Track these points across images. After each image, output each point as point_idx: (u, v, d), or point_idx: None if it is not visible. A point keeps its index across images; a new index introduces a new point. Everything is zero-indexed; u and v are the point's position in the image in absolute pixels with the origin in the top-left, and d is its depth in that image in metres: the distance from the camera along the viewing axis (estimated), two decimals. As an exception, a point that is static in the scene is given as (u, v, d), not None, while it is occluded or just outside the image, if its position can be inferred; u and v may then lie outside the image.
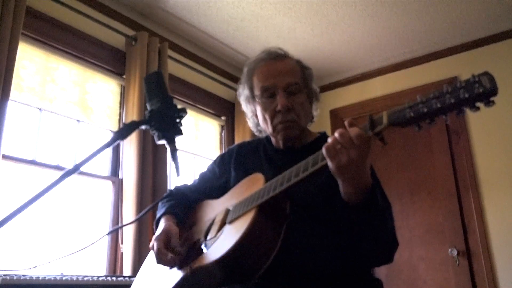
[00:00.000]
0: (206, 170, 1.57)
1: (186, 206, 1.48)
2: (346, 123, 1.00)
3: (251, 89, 1.42)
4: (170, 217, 1.40)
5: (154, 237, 1.32)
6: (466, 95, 0.80)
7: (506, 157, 3.30)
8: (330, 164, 0.99)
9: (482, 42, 3.53)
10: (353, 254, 1.18)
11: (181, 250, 1.28)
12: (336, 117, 4.09)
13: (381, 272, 3.46)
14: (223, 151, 2.26)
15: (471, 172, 3.39)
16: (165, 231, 1.31)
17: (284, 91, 1.34)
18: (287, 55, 1.44)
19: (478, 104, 0.81)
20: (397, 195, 3.60)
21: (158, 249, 1.27)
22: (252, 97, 1.42)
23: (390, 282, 3.47)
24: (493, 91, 0.79)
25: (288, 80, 1.35)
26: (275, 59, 1.40)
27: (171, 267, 1.28)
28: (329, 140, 0.99)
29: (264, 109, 1.38)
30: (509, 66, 3.37)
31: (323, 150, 1.00)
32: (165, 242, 1.28)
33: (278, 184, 1.11)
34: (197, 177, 1.59)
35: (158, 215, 1.44)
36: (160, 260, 1.27)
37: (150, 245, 1.32)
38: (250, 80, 1.43)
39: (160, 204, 1.49)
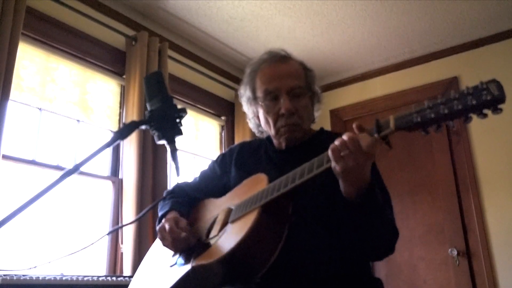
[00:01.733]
0: (207, 169, 1.56)
1: (188, 204, 1.48)
2: (354, 126, 0.99)
3: (254, 91, 1.40)
4: (174, 214, 1.39)
5: (161, 223, 1.32)
6: (474, 102, 0.80)
7: (506, 157, 3.30)
8: (336, 166, 0.99)
9: (482, 42, 3.53)
10: (354, 252, 1.18)
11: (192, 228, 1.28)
12: (336, 117, 4.09)
13: (381, 272, 3.46)
14: (223, 151, 2.26)
15: (471, 172, 3.39)
16: (172, 216, 1.32)
17: (287, 94, 1.32)
18: (291, 57, 1.41)
19: (485, 111, 0.81)
20: (397, 195, 3.59)
21: (170, 227, 1.26)
22: (254, 99, 1.41)
23: (390, 282, 3.47)
24: (501, 98, 0.78)
25: (292, 84, 1.33)
26: (278, 61, 1.38)
27: (183, 247, 1.27)
28: (337, 142, 0.99)
29: (267, 112, 1.36)
30: (509, 66, 3.37)
31: (330, 152, 1.00)
32: (176, 222, 1.29)
33: (282, 185, 1.10)
34: (197, 175, 1.58)
35: (161, 212, 1.42)
36: (174, 239, 1.26)
37: (158, 227, 1.31)
38: (253, 82, 1.41)
39: (162, 202, 1.48)
